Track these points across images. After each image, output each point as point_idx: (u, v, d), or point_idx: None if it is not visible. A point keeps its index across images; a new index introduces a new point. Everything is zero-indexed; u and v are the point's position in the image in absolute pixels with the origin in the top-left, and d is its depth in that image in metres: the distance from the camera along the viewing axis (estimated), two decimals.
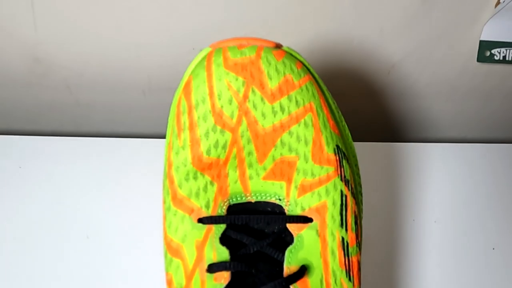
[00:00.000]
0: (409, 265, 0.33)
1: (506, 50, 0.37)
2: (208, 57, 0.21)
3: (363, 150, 0.39)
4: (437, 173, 0.38)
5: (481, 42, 0.37)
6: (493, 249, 0.34)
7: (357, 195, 0.23)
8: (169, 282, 0.21)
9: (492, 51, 0.37)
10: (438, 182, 0.38)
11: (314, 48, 0.38)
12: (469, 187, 0.38)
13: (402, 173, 0.38)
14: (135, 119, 0.44)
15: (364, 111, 0.44)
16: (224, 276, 0.19)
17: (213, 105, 0.20)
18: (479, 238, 0.35)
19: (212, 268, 0.20)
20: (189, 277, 0.20)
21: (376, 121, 0.45)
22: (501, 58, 0.37)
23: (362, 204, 0.24)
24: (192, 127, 0.21)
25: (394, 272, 0.33)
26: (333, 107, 0.23)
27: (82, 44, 0.37)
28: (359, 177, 0.24)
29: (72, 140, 0.37)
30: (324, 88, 0.23)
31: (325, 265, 0.20)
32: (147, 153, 0.37)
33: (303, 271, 0.20)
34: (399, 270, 0.33)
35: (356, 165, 0.24)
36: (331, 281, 0.20)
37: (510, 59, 0.37)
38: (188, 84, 0.21)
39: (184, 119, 0.21)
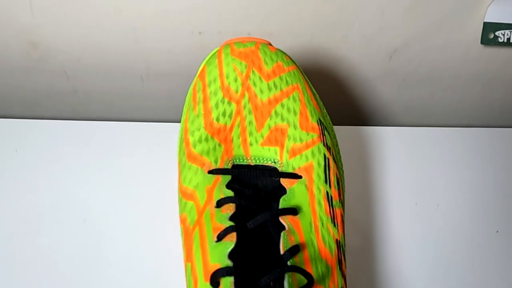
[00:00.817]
0: (412, 248, 0.33)
1: (511, 32, 0.36)
2: (219, 50, 0.27)
3: (367, 134, 0.39)
4: (441, 157, 0.38)
5: (485, 24, 0.36)
6: (497, 232, 0.33)
7: (338, 162, 0.27)
8: (183, 221, 0.25)
9: (496, 33, 0.36)
10: (442, 165, 0.37)
11: (315, 32, 0.38)
12: (472, 171, 0.37)
13: (405, 157, 0.38)
14: (133, 106, 0.43)
15: (366, 96, 0.43)
16: (230, 208, 0.23)
17: (222, 83, 0.26)
18: (483, 221, 0.34)
19: (220, 202, 0.23)
20: (201, 213, 0.24)
21: (377, 107, 0.44)
22: (505, 40, 0.37)
23: (343, 177, 0.28)
24: (205, 100, 0.26)
25: (397, 254, 0.32)
26: (316, 96, 0.28)
27: (79, 28, 0.37)
28: (340, 155, 0.28)
29: (69, 124, 0.36)
30: (308, 80, 0.28)
31: (313, 212, 0.24)
32: (145, 137, 0.37)
33: (294, 210, 0.23)
34: (402, 252, 0.33)
35: (337, 145, 0.28)
36: (319, 224, 0.24)
37: None
38: (203, 71, 0.26)
39: (199, 95, 0.26)
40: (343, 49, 0.39)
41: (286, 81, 0.26)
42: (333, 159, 0.26)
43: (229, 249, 0.21)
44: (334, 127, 0.39)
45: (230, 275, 0.20)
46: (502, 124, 0.46)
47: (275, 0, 0.36)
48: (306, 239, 0.23)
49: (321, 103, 0.28)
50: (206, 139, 0.25)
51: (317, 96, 0.28)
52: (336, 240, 0.24)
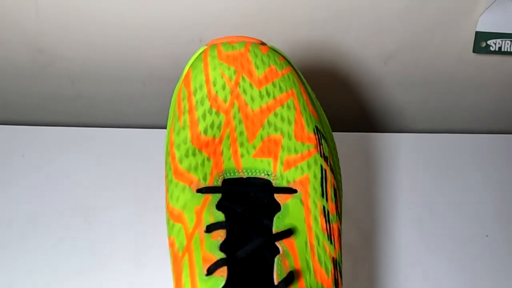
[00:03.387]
0: (406, 251, 0.34)
1: (502, 41, 0.37)
2: (205, 52, 0.24)
3: (361, 140, 0.40)
4: (432, 163, 0.39)
5: (477, 33, 0.37)
6: (487, 236, 0.35)
7: (335, 170, 0.26)
8: (172, 244, 0.23)
9: (488, 42, 0.37)
10: (433, 171, 0.38)
11: (311, 38, 0.39)
12: (463, 176, 0.38)
13: (396, 163, 0.39)
14: (135, 110, 0.44)
15: (362, 101, 0.44)
16: (220, 234, 0.21)
17: (209, 91, 0.24)
18: (473, 226, 0.35)
19: (210, 228, 0.22)
20: (190, 237, 0.22)
21: (372, 111, 0.46)
22: (497, 49, 0.38)
23: (341, 183, 0.26)
24: (191, 110, 0.24)
25: (392, 257, 0.34)
26: (312, 96, 0.26)
27: (84, 34, 0.38)
28: (338, 160, 0.27)
29: (75, 130, 0.38)
30: (304, 80, 0.26)
31: (309, 229, 0.22)
32: (148, 143, 0.38)
33: (289, 232, 0.22)
34: (398, 255, 0.34)
35: (335, 148, 0.27)
36: (315, 243, 0.22)
37: (506, 50, 0.37)
38: (187, 75, 0.24)
39: (184, 104, 0.24)
40: (339, 54, 0.40)
41: (280, 87, 0.24)
42: (331, 169, 0.24)
43: (220, 287, 0.20)
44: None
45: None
46: (497, 129, 0.46)
47: (272, 8, 0.37)
48: (301, 262, 0.22)
49: (318, 104, 0.27)
50: (194, 154, 0.24)
51: (314, 97, 0.27)
52: (333, 258, 0.23)
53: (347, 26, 0.38)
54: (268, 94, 0.24)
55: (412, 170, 0.38)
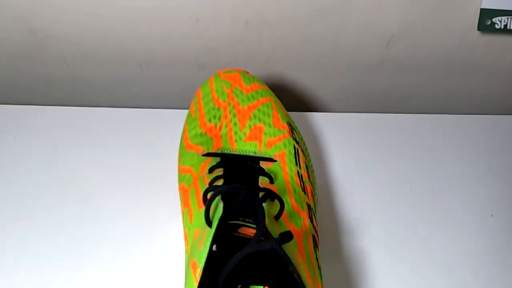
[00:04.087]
0: (407, 232, 0.33)
1: (507, 18, 0.36)
2: (210, 78, 0.35)
3: (366, 120, 0.39)
4: (436, 144, 0.38)
5: (482, 10, 0.36)
6: (492, 216, 0.34)
7: (306, 154, 0.33)
8: (182, 187, 0.31)
9: (493, 20, 0.36)
10: (436, 151, 0.38)
11: (312, 18, 0.38)
12: (467, 156, 0.38)
13: (401, 143, 0.38)
14: (131, 93, 0.44)
15: (364, 84, 0.44)
16: (219, 171, 0.29)
17: (213, 95, 0.34)
18: (477, 206, 0.34)
19: (211, 169, 0.30)
20: (196, 179, 0.30)
21: (375, 94, 0.45)
22: (502, 27, 0.37)
23: (313, 168, 0.34)
24: (200, 108, 0.34)
25: (391, 237, 0.33)
26: (285, 110, 0.35)
27: (79, 15, 0.37)
28: (306, 149, 0.34)
29: (67, 110, 0.37)
30: (278, 99, 0.35)
31: (287, 183, 0.30)
32: (143, 122, 0.37)
33: (271, 177, 0.29)
34: (396, 235, 0.33)
35: (302, 139, 0.35)
36: (292, 191, 0.29)
37: (511, 27, 0.37)
38: (199, 91, 0.35)
39: (196, 105, 0.34)
40: (340, 36, 0.39)
41: (261, 94, 0.34)
42: (302, 151, 0.32)
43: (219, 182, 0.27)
44: (333, 113, 0.40)
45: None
46: (501, 111, 0.46)
47: None
48: (281, 195, 0.28)
49: (290, 117, 0.36)
50: (201, 135, 0.33)
51: (286, 111, 0.35)
52: (307, 203, 0.29)
53: (348, 7, 0.37)
54: (253, 97, 0.34)
55: (415, 151, 0.38)
